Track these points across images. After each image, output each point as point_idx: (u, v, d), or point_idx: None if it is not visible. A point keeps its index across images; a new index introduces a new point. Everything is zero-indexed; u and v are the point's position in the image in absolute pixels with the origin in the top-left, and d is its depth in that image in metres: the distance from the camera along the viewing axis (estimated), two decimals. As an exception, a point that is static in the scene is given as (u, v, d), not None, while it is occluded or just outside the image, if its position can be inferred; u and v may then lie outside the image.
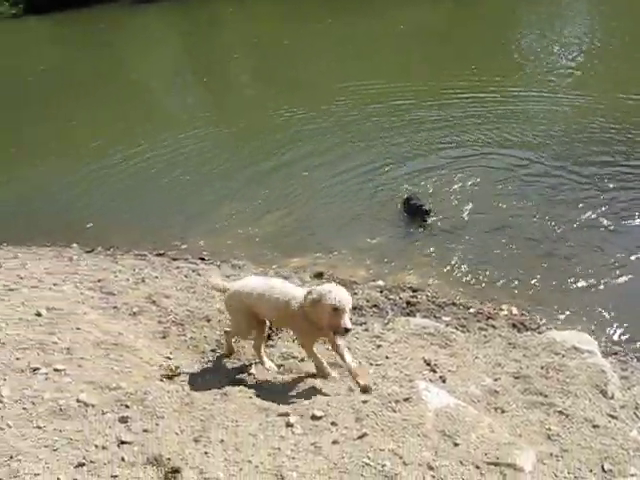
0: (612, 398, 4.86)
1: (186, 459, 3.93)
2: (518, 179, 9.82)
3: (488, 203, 9.14)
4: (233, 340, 5.60)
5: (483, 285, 7.40)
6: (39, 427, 4.08)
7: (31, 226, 10.32)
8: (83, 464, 3.82)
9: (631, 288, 7.00)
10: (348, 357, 4.94)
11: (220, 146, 12.91)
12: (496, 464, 3.97)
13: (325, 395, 4.74)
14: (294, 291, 5.02)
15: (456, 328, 6.24)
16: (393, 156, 11.15)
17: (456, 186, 9.71)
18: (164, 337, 5.84)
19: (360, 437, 4.19)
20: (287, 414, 4.46)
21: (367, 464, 3.93)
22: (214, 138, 13.27)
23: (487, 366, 5.41)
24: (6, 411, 4.16)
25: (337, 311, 4.52)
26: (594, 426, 4.51)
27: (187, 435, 4.19)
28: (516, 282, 7.35)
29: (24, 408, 4.22)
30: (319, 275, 7.62)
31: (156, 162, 12.40)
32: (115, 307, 6.39)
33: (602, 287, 7.11)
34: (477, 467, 3.95)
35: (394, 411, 4.48)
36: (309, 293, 4.74)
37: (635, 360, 5.89)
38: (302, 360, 5.42)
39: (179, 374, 5.15)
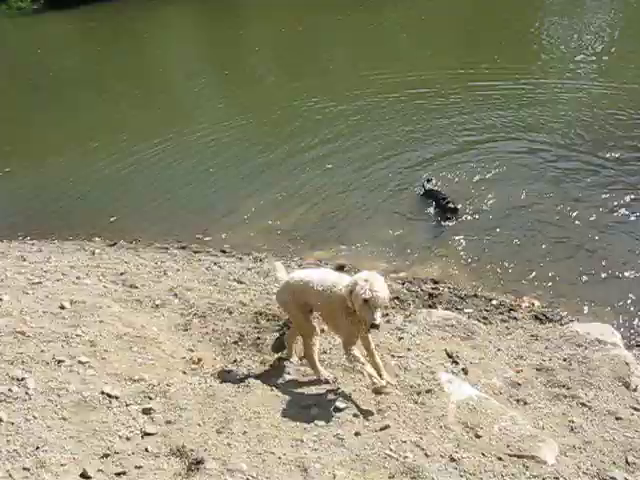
0: (635, 390, 4.83)
1: (209, 450, 3.96)
2: (541, 167, 9.77)
3: (510, 193, 9.08)
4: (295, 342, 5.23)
5: (505, 277, 7.36)
6: (64, 418, 4.13)
7: (55, 220, 10.40)
8: (108, 455, 3.87)
9: (655, 279, 6.90)
10: (376, 358, 4.68)
11: (242, 140, 12.86)
12: (519, 456, 3.97)
13: (347, 387, 4.74)
14: (340, 280, 4.58)
15: (478, 320, 6.22)
16: (416, 146, 11.13)
17: (478, 176, 9.66)
18: (186, 330, 5.86)
19: (382, 429, 4.20)
20: (309, 406, 4.48)
21: (389, 456, 3.95)
22: (236, 132, 13.20)
23: (509, 358, 5.39)
24: (32, 403, 4.21)
25: (367, 303, 4.16)
26: (617, 418, 4.48)
27: (210, 427, 4.22)
28: (538, 273, 7.30)
29: (49, 400, 4.27)
30: (340, 268, 7.60)
31: (179, 155, 12.41)
32: (138, 300, 6.42)
33: (625, 279, 7.05)
34: (499, 459, 3.95)
35: (416, 403, 4.48)
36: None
37: (659, 352, 5.82)
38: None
39: (202, 366, 5.18)
